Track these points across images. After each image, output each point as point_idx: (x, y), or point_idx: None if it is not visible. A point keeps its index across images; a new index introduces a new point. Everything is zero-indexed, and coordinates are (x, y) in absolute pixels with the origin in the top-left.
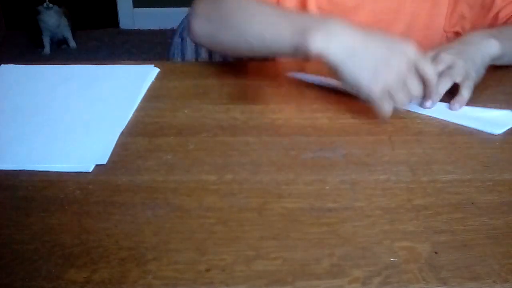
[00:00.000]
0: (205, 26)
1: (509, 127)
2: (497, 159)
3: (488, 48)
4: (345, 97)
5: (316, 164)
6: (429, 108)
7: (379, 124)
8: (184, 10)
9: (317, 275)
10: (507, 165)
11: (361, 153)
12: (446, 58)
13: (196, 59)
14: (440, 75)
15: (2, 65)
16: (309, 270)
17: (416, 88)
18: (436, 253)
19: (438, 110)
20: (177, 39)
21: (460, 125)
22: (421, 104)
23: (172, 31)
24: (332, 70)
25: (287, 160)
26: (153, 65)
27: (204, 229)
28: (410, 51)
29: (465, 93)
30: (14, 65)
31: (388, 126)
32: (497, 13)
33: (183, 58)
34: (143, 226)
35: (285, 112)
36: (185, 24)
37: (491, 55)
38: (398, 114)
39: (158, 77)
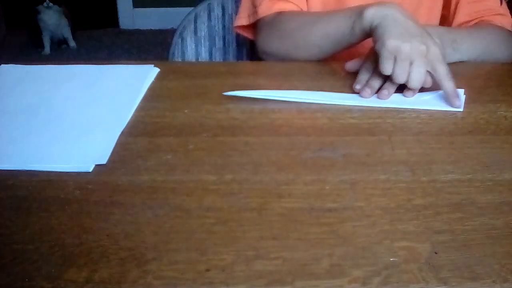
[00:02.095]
0: (276, 47)
1: (463, 101)
2: (497, 159)
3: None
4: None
5: (316, 164)
6: (387, 97)
7: (379, 124)
8: (184, 10)
9: (317, 275)
10: (507, 165)
11: (361, 153)
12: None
13: (196, 59)
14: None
15: (2, 65)
16: (309, 270)
17: (417, 75)
18: (436, 253)
19: (395, 100)
20: (177, 39)
21: (430, 111)
22: (379, 95)
23: (172, 31)
24: (376, 22)
25: (287, 160)
26: (153, 65)
27: (204, 229)
28: (436, 48)
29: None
30: (14, 65)
31: (388, 126)
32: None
33: (183, 58)
34: (143, 226)
35: (285, 112)
36: (185, 25)
37: None
38: (398, 114)
39: (158, 77)
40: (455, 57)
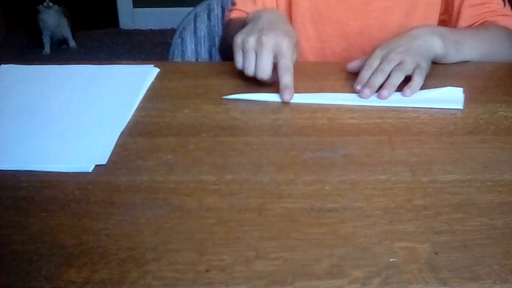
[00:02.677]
0: (222, 49)
1: (462, 99)
2: (497, 159)
3: (432, 45)
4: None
5: (316, 164)
6: (386, 97)
7: (379, 124)
8: (184, 10)
9: (317, 275)
10: (507, 165)
11: (361, 153)
12: (396, 57)
13: (196, 59)
14: (393, 70)
15: (2, 65)
16: (309, 270)
17: (260, 65)
18: (436, 253)
19: (395, 99)
20: (177, 39)
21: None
22: (379, 94)
23: (172, 31)
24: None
25: (287, 160)
26: (153, 65)
27: (204, 229)
28: (282, 41)
29: (417, 79)
30: (14, 65)
31: (388, 126)
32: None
33: (183, 58)
34: (142, 227)
35: (285, 112)
36: (185, 25)
37: (435, 52)
38: (398, 114)
39: (158, 77)
40: (457, 57)
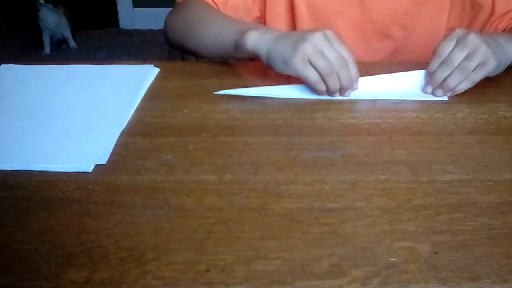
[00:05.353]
0: (176, 35)
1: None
2: (497, 159)
3: (509, 48)
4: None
5: (316, 164)
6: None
7: (378, 124)
8: None
9: (316, 275)
10: (507, 165)
11: (360, 153)
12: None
13: (196, 59)
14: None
15: (2, 65)
16: (309, 270)
17: (333, 55)
18: (435, 253)
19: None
20: None
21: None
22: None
23: None
24: (265, 61)
25: (287, 160)
26: (153, 65)
27: (203, 229)
28: (325, 31)
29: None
30: (14, 65)
31: (388, 126)
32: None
33: (183, 58)
34: (142, 226)
35: (285, 112)
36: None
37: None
38: (398, 114)
39: (158, 77)
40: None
